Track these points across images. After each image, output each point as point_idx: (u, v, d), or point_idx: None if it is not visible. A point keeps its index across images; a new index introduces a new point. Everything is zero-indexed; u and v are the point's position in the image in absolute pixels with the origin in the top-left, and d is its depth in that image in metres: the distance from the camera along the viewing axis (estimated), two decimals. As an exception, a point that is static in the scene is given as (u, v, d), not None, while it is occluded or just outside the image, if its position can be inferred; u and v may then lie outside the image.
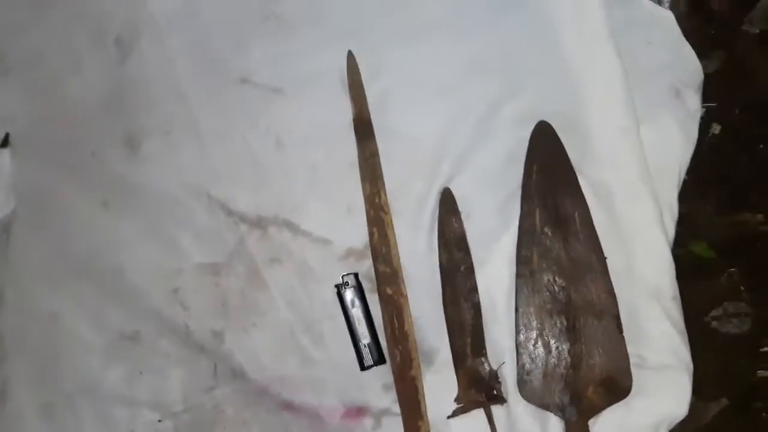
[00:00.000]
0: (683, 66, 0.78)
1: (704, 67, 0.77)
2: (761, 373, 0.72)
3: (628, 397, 0.69)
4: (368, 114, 0.80)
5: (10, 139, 0.86)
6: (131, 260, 0.82)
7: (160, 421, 0.78)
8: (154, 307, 0.80)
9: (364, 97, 0.80)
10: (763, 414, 0.72)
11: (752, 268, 0.74)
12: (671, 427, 0.69)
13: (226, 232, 0.80)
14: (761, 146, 0.77)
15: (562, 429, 0.71)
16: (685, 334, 0.70)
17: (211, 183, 0.81)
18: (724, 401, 0.71)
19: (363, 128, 0.80)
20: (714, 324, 0.74)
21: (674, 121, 0.76)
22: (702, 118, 0.76)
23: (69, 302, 0.82)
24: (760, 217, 0.75)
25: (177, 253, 0.81)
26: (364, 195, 0.79)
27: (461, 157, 0.78)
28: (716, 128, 0.77)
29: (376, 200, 0.78)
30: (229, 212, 0.81)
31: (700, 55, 0.79)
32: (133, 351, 0.80)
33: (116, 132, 0.84)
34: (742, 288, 0.74)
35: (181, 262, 0.81)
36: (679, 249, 0.74)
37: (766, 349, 0.73)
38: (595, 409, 0.70)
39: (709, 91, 0.77)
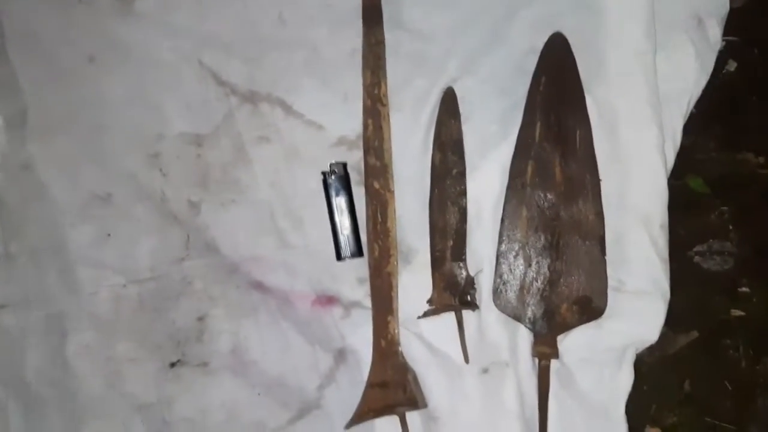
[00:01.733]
0: (710, -6, 0.75)
1: (731, 1, 0.75)
2: (735, 312, 0.73)
3: (600, 319, 0.69)
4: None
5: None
6: (112, 120, 0.78)
7: (124, 285, 0.76)
8: (131, 170, 0.77)
9: (378, -20, 0.76)
10: (731, 351, 0.73)
11: (744, 209, 0.74)
12: (638, 351, 0.70)
13: (214, 103, 0.77)
14: (773, 89, 0.76)
15: (530, 341, 0.71)
16: (668, 264, 0.70)
17: (205, 49, 0.77)
18: (694, 334, 0.72)
19: (372, 13, 0.76)
20: (697, 259, 0.74)
21: (692, 50, 0.73)
22: (720, 52, 0.74)
23: (43, 155, 0.78)
24: (761, 159, 0.74)
25: (161, 118, 0.77)
26: (364, 84, 0.75)
27: (470, 58, 0.75)
28: (732, 65, 0.76)
29: (376, 91, 0.75)
30: (221, 82, 0.77)
31: (728, -12, 0.76)
32: (104, 213, 0.77)
33: (109, -20, 0.79)
34: (731, 227, 0.73)
35: (164, 128, 0.77)
36: (675, 181, 0.73)
37: (743, 289, 0.73)
38: (566, 326, 0.70)
39: (731, 25, 0.74)
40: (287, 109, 0.76)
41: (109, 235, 0.77)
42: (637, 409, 0.69)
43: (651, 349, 0.69)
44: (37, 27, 0.79)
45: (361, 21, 0.76)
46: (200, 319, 0.76)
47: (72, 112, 0.78)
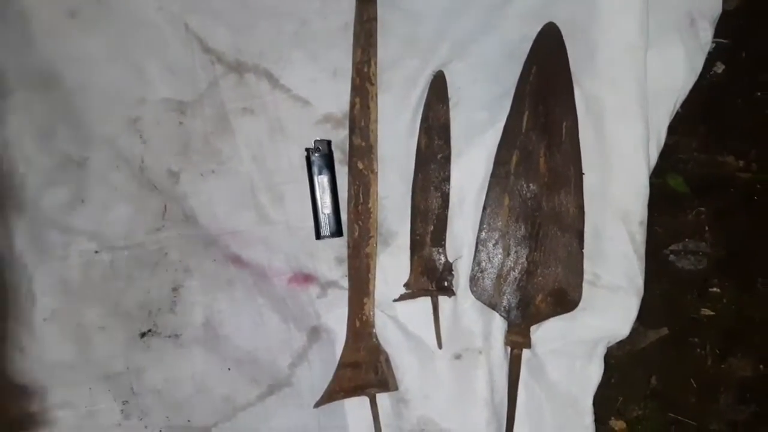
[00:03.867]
0: (704, -5, 0.75)
1: (724, 3, 0.75)
2: (705, 311, 0.74)
3: (574, 311, 0.70)
4: (374, -25, 0.75)
5: None
6: (92, 80, 0.76)
7: (96, 252, 0.75)
8: (109, 134, 0.75)
9: (374, -45, 0.75)
10: (698, 349, 0.74)
11: (721, 211, 0.75)
12: (609, 345, 0.71)
13: (199, 70, 0.75)
14: (759, 94, 0.77)
15: (504, 329, 0.71)
16: (643, 260, 0.71)
17: (192, 13, 0.75)
18: (664, 331, 0.73)
19: (366, -11, 0.75)
20: (671, 257, 0.75)
21: (682, 49, 0.73)
22: (709, 53, 0.74)
23: (18, 112, 0.76)
24: (741, 163, 0.75)
25: (143, 81, 0.75)
26: (353, 61, 0.74)
27: (462, 43, 0.74)
28: (720, 67, 0.76)
29: (365, 69, 0.74)
30: (207, 49, 0.75)
31: (721, -11, 0.76)
32: (78, 177, 0.75)
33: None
34: (707, 228, 0.74)
35: (146, 92, 0.75)
36: (656, 179, 0.73)
37: (714, 289, 0.74)
38: (540, 317, 0.71)
39: (721, 27, 0.75)
40: (274, 81, 0.75)
41: (83, 200, 0.75)
42: (603, 401, 0.70)
43: (621, 343, 0.70)
44: (16, -23, 0.76)
45: (355, -5, 0.75)
46: (174, 289, 0.75)
47: (50, 69, 0.76)
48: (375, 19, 0.74)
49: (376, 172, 0.74)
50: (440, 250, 0.73)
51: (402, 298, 0.72)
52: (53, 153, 0.76)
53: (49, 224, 0.75)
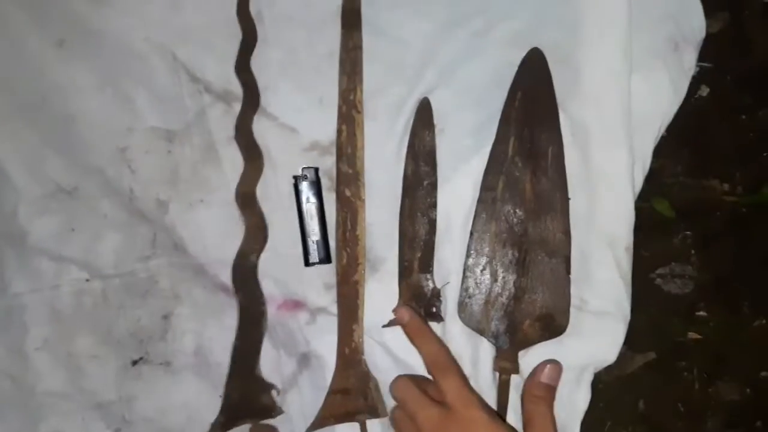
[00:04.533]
0: (688, 20, 0.75)
1: (707, 26, 0.75)
2: (691, 335, 0.75)
3: (561, 336, 0.70)
4: (359, 3, 0.75)
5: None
6: (80, 110, 0.76)
7: (87, 280, 0.75)
8: (98, 164, 0.76)
9: (358, -16, 0.75)
10: (685, 373, 0.75)
11: (706, 235, 0.75)
12: (597, 370, 0.71)
13: (187, 99, 0.76)
14: (743, 117, 0.77)
15: (492, 355, 0.72)
16: (630, 286, 0.71)
17: (179, 43, 0.76)
18: (651, 355, 0.74)
19: (351, 17, 0.75)
20: (658, 281, 0.75)
21: (666, 74, 0.74)
22: (693, 77, 0.75)
23: (6, 141, 0.76)
24: (726, 186, 0.75)
25: (131, 111, 0.76)
26: (340, 89, 0.75)
27: (447, 69, 0.75)
28: (704, 90, 0.77)
29: (351, 97, 0.74)
30: (194, 79, 0.76)
31: (705, 13, 0.76)
32: (68, 206, 0.76)
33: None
34: (693, 252, 0.75)
35: (134, 122, 0.76)
36: (642, 203, 0.74)
37: (701, 313, 0.75)
38: (528, 342, 0.71)
39: (705, 51, 0.75)
40: (261, 110, 0.75)
41: (73, 229, 0.75)
42: (591, 425, 0.70)
43: (608, 367, 0.71)
44: (6, 6, 0.76)
45: (339, 23, 0.75)
46: (165, 317, 0.75)
47: (38, 98, 0.76)
48: (360, 47, 0.75)
49: (364, 199, 0.74)
50: (428, 276, 0.73)
51: (391, 324, 0.73)
52: (43, 182, 0.76)
53: (39, 253, 0.75)
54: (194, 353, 0.75)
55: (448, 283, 0.73)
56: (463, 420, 0.61)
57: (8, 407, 0.74)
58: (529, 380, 0.68)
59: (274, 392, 0.72)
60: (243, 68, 0.75)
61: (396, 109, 0.75)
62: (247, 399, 0.72)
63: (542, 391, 0.66)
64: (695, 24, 0.76)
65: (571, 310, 0.70)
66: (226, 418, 0.72)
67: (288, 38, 0.76)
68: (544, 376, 0.66)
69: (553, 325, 0.71)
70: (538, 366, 0.68)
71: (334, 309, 0.74)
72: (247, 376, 0.72)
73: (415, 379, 0.69)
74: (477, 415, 0.61)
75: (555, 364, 0.68)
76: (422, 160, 0.74)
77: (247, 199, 0.74)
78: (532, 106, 0.73)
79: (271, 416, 0.72)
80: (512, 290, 0.71)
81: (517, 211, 0.72)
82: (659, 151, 0.74)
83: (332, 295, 0.74)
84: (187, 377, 0.74)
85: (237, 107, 0.75)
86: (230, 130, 0.75)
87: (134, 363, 0.75)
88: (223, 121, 0.75)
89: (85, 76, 0.76)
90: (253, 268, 0.74)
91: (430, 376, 0.71)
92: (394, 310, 0.72)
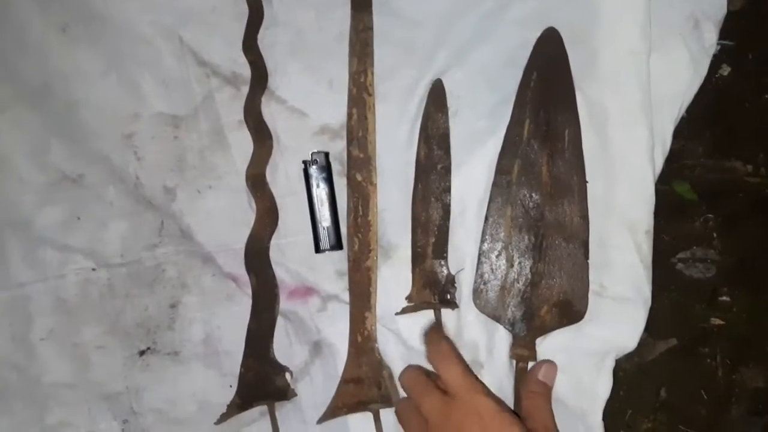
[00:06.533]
0: (709, -5, 0.73)
1: (728, 4, 0.73)
2: (714, 320, 0.73)
3: (580, 323, 0.69)
4: (370, -17, 0.73)
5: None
6: (85, 96, 0.74)
7: (94, 269, 0.74)
8: (103, 151, 0.74)
9: (369, -37, 0.73)
10: (708, 360, 0.72)
11: (729, 218, 0.73)
12: (617, 357, 0.69)
13: (194, 84, 0.74)
14: (766, 96, 0.75)
15: (508, 342, 0.70)
16: (650, 270, 0.69)
17: (185, 26, 0.74)
18: (673, 341, 0.72)
19: (361, -2, 0.73)
20: (679, 266, 0.73)
21: (686, 53, 0.72)
22: (714, 56, 0.72)
23: (10, 129, 0.75)
24: (749, 167, 0.73)
25: (136, 96, 0.74)
26: (350, 71, 0.73)
27: (460, 50, 0.73)
28: (725, 70, 0.74)
29: (362, 79, 0.73)
30: (202, 62, 0.74)
31: (726, -11, 0.74)
32: (73, 195, 0.74)
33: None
34: (715, 235, 0.73)
35: (140, 107, 0.74)
36: (662, 186, 0.71)
37: (724, 298, 0.73)
38: (545, 329, 0.69)
39: (726, 29, 0.73)
40: (269, 94, 0.74)
41: (78, 218, 0.74)
42: (611, 414, 0.68)
43: (629, 354, 0.69)
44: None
45: (349, 4, 0.74)
46: (172, 306, 0.74)
47: (42, 84, 0.75)
48: (371, 28, 0.73)
49: (376, 184, 0.72)
50: (442, 262, 0.71)
51: (404, 311, 0.71)
52: (47, 170, 0.75)
53: (44, 243, 0.74)
54: (203, 342, 0.73)
55: (462, 269, 0.71)
56: (467, 406, 0.60)
57: (13, 399, 0.72)
58: (525, 380, 0.67)
59: (287, 375, 0.71)
60: (250, 47, 0.73)
61: (408, 91, 0.73)
62: (261, 381, 0.71)
63: (539, 387, 0.66)
64: (716, 1, 0.73)
65: (590, 295, 0.69)
66: (242, 400, 0.71)
67: (297, 19, 0.74)
68: (541, 374, 0.66)
69: (571, 312, 0.69)
70: (534, 366, 0.68)
71: (345, 296, 0.72)
72: (261, 359, 0.71)
73: (426, 370, 0.68)
74: (481, 402, 0.60)
75: (551, 363, 0.67)
76: (435, 143, 0.72)
77: (257, 181, 0.72)
78: (547, 87, 0.71)
79: (286, 398, 0.71)
80: (529, 276, 0.70)
81: (534, 195, 0.70)
82: (679, 133, 0.72)
83: (344, 282, 0.72)
84: (196, 367, 0.73)
85: (245, 91, 0.73)
86: (239, 114, 0.73)
87: (141, 353, 0.73)
88: (231, 105, 0.74)
89: (90, 61, 0.75)
90: (266, 251, 0.72)
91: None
92: (408, 298, 0.71)
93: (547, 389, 0.66)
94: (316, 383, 0.72)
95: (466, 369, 0.63)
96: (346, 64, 0.73)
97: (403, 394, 0.70)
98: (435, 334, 0.68)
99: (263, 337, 0.71)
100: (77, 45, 0.75)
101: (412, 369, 0.68)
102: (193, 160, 0.74)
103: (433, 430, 0.61)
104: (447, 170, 0.72)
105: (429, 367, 0.70)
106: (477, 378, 0.65)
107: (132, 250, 0.74)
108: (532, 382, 0.66)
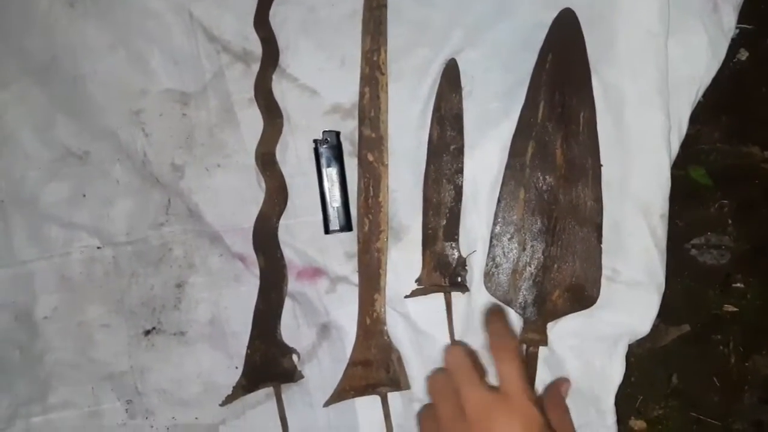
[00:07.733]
0: (727, -21, 0.72)
1: (747, -14, 0.72)
2: (727, 307, 0.72)
3: (592, 308, 0.68)
4: (384, -41, 0.72)
5: None
6: (92, 71, 0.73)
7: (99, 247, 0.73)
8: (110, 127, 0.73)
9: (383, -61, 0.72)
10: (721, 347, 0.72)
11: (744, 204, 0.72)
12: (630, 342, 0.68)
13: (204, 60, 0.73)
14: (784, 82, 0.74)
15: (519, 326, 0.69)
16: (665, 255, 0.68)
17: (196, 1, 0.73)
18: (686, 327, 0.71)
19: (375, -26, 0.72)
20: (693, 251, 0.72)
21: (705, 36, 0.70)
22: (732, 39, 0.71)
23: (16, 104, 0.74)
24: (766, 153, 0.72)
25: (145, 72, 0.73)
26: (363, 49, 0.72)
27: (475, 30, 0.72)
28: (743, 54, 0.73)
29: (375, 58, 0.71)
30: (212, 38, 0.73)
31: (746, -29, 0.73)
32: (79, 171, 0.73)
33: None
34: (730, 221, 0.72)
35: (148, 83, 0.73)
36: (677, 171, 0.71)
37: (737, 285, 0.72)
38: (557, 313, 0.68)
39: (745, 12, 0.72)
40: (280, 71, 0.72)
41: (84, 195, 0.73)
42: (622, 400, 0.68)
43: (641, 340, 0.68)
44: (15, -35, 0.73)
45: (363, -19, 0.72)
46: (179, 286, 0.73)
47: (48, 58, 0.74)
48: (384, 5, 0.72)
49: (387, 165, 0.71)
50: (453, 245, 0.70)
51: (414, 294, 0.70)
52: (53, 146, 0.74)
53: (49, 220, 0.73)
54: (209, 323, 0.72)
55: (474, 251, 0.70)
56: (515, 412, 0.57)
57: (17, 377, 0.72)
58: (549, 392, 0.67)
59: (294, 357, 0.70)
60: (262, 23, 0.72)
61: (421, 70, 0.72)
62: (268, 362, 0.70)
63: (562, 401, 0.65)
64: (735, -17, 0.72)
65: (603, 280, 0.68)
66: (248, 381, 0.70)
67: (310, -5, 0.73)
68: (563, 390, 0.66)
69: (583, 296, 0.68)
70: (557, 381, 0.68)
71: (355, 278, 0.71)
72: (268, 340, 0.70)
73: (470, 350, 0.67)
74: (532, 412, 0.57)
75: (567, 381, 0.67)
76: (448, 124, 0.71)
77: (267, 160, 0.71)
78: (563, 68, 0.70)
79: (293, 380, 0.70)
80: (541, 260, 0.69)
81: (547, 177, 0.69)
82: (696, 117, 0.71)
83: (353, 263, 0.71)
84: (202, 347, 0.72)
85: (256, 68, 0.72)
86: (249, 92, 0.72)
87: (147, 333, 0.72)
88: (241, 82, 0.72)
89: (97, 35, 0.74)
90: (274, 231, 0.71)
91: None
92: (418, 280, 0.69)
93: (565, 403, 0.65)
94: (323, 365, 0.71)
95: (524, 371, 0.61)
96: (358, 42, 0.72)
97: (413, 377, 0.69)
98: (501, 325, 0.64)
99: (270, 319, 0.71)
100: (85, 19, 0.74)
101: (458, 349, 0.64)
102: (202, 137, 0.73)
103: (471, 423, 0.58)
104: (460, 151, 0.71)
105: (438, 351, 0.70)
106: (530, 383, 0.63)
107: (138, 228, 0.73)
108: (555, 395, 0.66)
